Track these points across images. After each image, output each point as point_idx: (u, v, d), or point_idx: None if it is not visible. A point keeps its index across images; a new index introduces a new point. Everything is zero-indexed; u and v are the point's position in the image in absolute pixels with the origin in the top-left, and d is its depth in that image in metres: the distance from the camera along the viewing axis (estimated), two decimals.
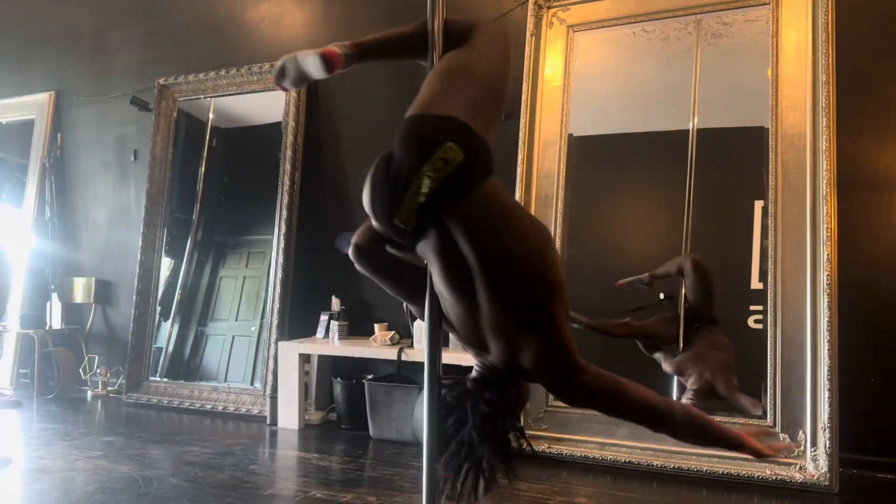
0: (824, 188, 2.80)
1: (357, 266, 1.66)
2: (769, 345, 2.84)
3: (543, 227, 1.53)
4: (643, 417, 1.52)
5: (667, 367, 3.06)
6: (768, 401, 2.81)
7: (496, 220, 1.44)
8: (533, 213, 1.61)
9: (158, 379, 4.30)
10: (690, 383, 2.98)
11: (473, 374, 1.58)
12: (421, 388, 1.62)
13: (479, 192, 1.43)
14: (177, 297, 4.38)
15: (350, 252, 1.65)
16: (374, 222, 1.55)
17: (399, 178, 1.43)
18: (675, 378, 3.07)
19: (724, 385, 2.94)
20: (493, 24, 1.71)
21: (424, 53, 1.69)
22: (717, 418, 2.86)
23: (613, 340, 3.13)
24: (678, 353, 3.03)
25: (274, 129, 4.16)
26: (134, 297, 4.41)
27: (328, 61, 1.70)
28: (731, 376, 2.94)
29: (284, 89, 1.85)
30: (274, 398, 3.72)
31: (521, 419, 1.62)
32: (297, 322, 4.00)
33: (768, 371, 2.82)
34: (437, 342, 1.62)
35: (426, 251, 1.50)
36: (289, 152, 4.06)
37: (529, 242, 1.45)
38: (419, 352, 3.23)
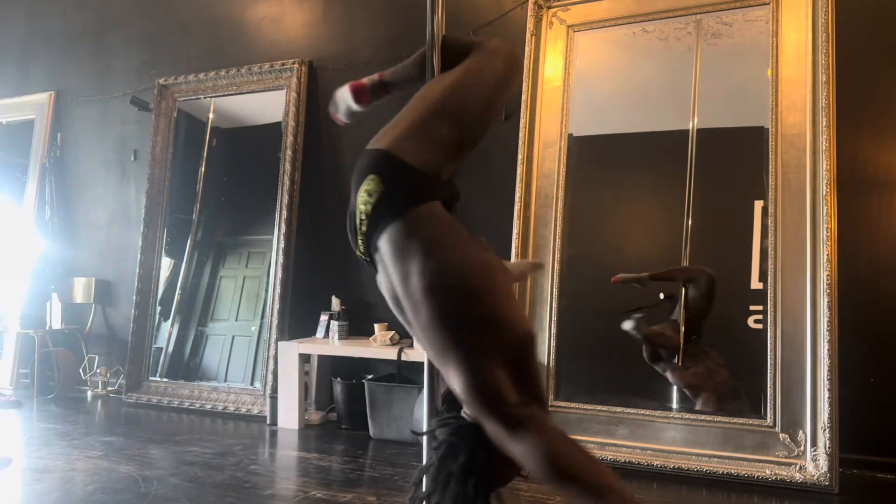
0: (824, 188, 2.80)
1: None
2: (769, 345, 2.84)
3: (478, 257, 1.44)
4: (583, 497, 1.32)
5: (675, 380, 3.03)
6: (768, 401, 2.81)
7: (408, 250, 1.40)
8: (479, 241, 1.52)
9: (158, 379, 4.30)
10: (701, 402, 2.97)
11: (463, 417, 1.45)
12: (421, 388, 1.62)
13: (406, 220, 1.43)
14: (177, 297, 4.38)
15: None
16: None
17: (350, 211, 1.52)
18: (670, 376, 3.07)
19: (726, 401, 2.95)
20: (493, 45, 1.65)
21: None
22: (719, 418, 2.88)
23: (609, 335, 3.13)
24: (688, 366, 3.02)
25: (274, 129, 4.16)
26: (134, 297, 4.41)
27: (354, 91, 1.84)
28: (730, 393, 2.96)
29: (339, 121, 1.96)
30: (274, 398, 3.72)
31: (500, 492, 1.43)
32: (297, 322, 4.00)
33: (768, 371, 2.82)
34: None
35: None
36: (289, 152, 4.06)
37: (447, 274, 1.37)
38: (419, 352, 3.23)
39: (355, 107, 1.86)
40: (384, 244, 1.45)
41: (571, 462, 1.32)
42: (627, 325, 3.08)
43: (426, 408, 1.58)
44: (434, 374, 1.59)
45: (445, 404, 1.53)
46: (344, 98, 1.86)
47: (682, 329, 3.04)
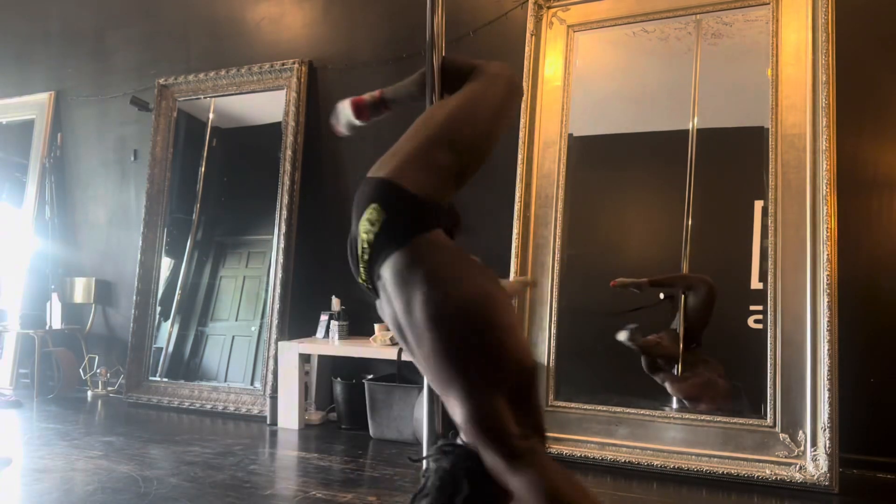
0: (824, 188, 2.80)
1: None
2: (769, 345, 2.84)
3: (481, 286, 1.43)
4: None
5: (674, 391, 3.02)
6: (768, 401, 2.81)
7: (411, 280, 1.40)
8: (478, 264, 1.51)
9: (158, 379, 4.30)
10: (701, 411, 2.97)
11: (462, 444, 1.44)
12: (421, 388, 1.62)
13: (409, 249, 1.42)
14: (177, 297, 4.38)
15: None
16: None
17: (351, 240, 1.52)
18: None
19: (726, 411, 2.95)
20: (493, 70, 1.63)
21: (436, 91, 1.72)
22: (719, 418, 2.88)
23: (609, 335, 3.13)
24: (687, 376, 3.00)
25: (274, 129, 4.16)
26: (134, 297, 4.42)
27: (355, 107, 1.85)
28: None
29: (340, 133, 1.97)
30: (274, 398, 3.72)
31: None
32: (297, 322, 4.00)
33: (768, 371, 2.82)
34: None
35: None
36: (289, 152, 4.06)
37: (450, 303, 1.37)
38: None
39: (354, 120, 1.88)
40: (387, 273, 1.44)
41: (568, 499, 1.32)
42: (622, 336, 3.07)
43: (426, 408, 1.58)
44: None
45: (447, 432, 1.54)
46: (345, 112, 1.87)
47: (682, 338, 3.03)
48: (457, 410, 1.36)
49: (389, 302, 1.47)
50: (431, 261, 1.42)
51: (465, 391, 1.35)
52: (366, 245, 1.45)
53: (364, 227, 1.45)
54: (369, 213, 1.44)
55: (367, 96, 1.84)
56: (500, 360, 1.37)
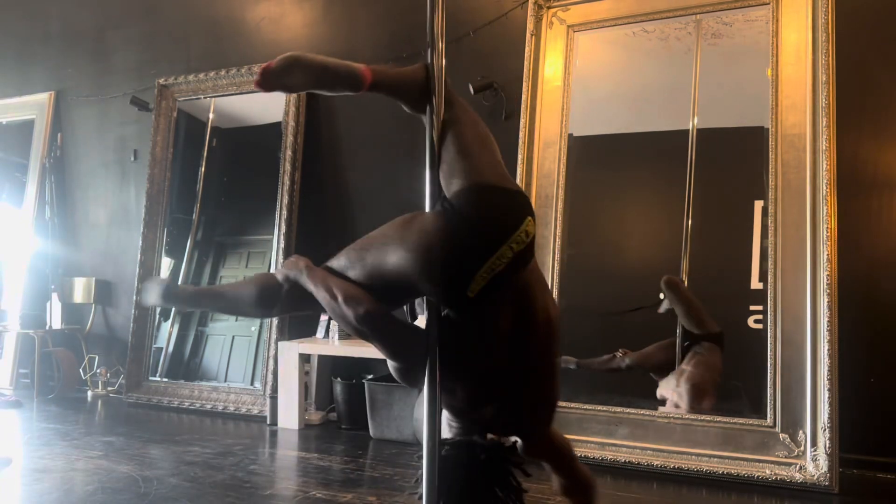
0: (824, 188, 2.80)
1: (364, 330, 1.59)
2: (769, 345, 2.84)
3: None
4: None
5: (666, 394, 3.02)
6: (768, 401, 2.81)
7: (544, 283, 1.64)
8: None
9: (158, 379, 4.30)
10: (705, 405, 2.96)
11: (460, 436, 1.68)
12: (421, 388, 1.62)
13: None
14: None
15: (360, 318, 1.55)
16: (426, 285, 1.50)
17: (478, 248, 1.43)
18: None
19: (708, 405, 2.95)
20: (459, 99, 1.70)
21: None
22: (719, 418, 2.88)
23: (609, 335, 3.13)
24: (677, 382, 2.99)
25: (274, 129, 4.16)
26: (134, 297, 4.41)
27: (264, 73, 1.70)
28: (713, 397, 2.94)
29: (147, 303, 1.97)
30: (274, 398, 3.72)
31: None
32: (297, 322, 4.00)
33: (768, 371, 2.82)
34: (437, 343, 1.61)
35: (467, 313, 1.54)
36: (289, 152, 4.06)
37: (554, 304, 1.61)
38: None
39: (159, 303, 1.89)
40: (522, 279, 1.53)
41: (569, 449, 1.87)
42: (617, 363, 3.09)
43: (426, 408, 1.57)
44: (434, 373, 1.58)
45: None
46: (152, 291, 1.87)
47: (679, 342, 3.03)
48: (535, 399, 1.63)
49: (497, 312, 1.52)
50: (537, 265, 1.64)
51: (557, 382, 1.68)
52: (508, 255, 1.43)
53: (520, 238, 1.44)
54: (528, 225, 1.46)
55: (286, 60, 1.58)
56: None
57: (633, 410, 3.02)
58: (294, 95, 4.08)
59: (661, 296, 3.13)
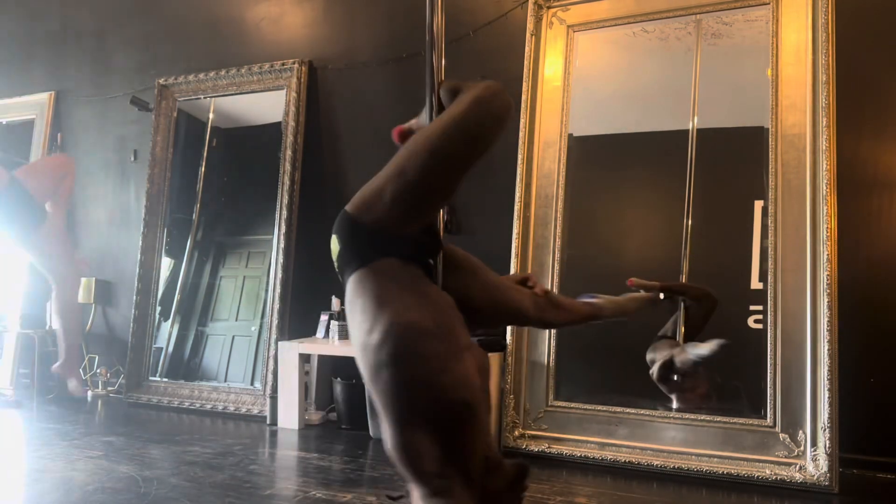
0: (824, 188, 2.80)
1: None
2: (769, 345, 2.84)
3: (412, 318, 1.40)
4: None
5: (681, 401, 3.02)
6: (768, 401, 2.81)
7: (352, 308, 1.49)
8: (410, 300, 1.46)
9: (158, 379, 4.30)
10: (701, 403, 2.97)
11: None
12: None
13: (353, 279, 1.50)
14: (177, 297, 4.38)
15: None
16: None
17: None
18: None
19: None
20: (470, 89, 1.48)
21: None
22: (719, 418, 2.88)
23: (609, 335, 3.12)
24: (690, 385, 3.01)
25: (274, 129, 4.16)
26: (134, 297, 4.41)
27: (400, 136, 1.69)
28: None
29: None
30: (274, 398, 3.72)
31: None
32: (297, 322, 4.00)
33: (768, 371, 2.82)
34: None
35: None
36: (289, 152, 4.06)
37: (375, 334, 1.39)
38: None
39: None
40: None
41: None
42: (705, 350, 3.04)
43: None
44: None
45: None
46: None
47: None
48: (385, 436, 1.46)
49: None
50: (368, 292, 1.45)
51: (389, 420, 1.44)
52: (338, 272, 1.56)
53: (333, 258, 1.56)
54: (332, 243, 1.55)
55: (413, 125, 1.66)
56: (420, 395, 1.39)
57: (632, 410, 3.02)
58: (294, 95, 4.08)
59: (661, 296, 3.12)
